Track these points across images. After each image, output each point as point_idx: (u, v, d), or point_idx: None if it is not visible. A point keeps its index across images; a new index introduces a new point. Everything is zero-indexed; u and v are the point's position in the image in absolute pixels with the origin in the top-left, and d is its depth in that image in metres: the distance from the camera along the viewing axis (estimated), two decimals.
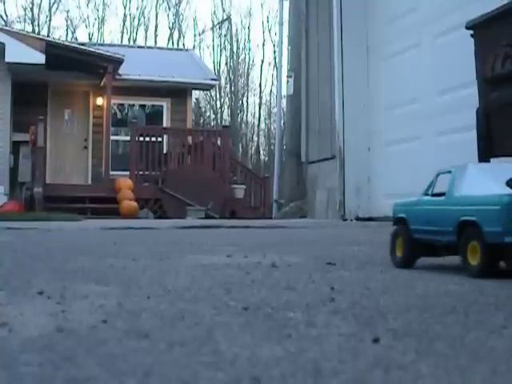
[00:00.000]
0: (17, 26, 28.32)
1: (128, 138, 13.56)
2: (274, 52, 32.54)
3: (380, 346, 0.71)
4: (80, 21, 43.06)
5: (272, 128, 32.73)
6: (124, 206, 11.67)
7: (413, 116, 5.96)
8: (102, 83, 14.43)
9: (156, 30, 36.37)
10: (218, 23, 36.24)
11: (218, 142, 13.36)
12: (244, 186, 13.37)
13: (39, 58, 12.50)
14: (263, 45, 42.58)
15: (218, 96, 34.70)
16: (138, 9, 36.88)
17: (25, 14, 33.46)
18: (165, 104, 15.81)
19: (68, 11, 41.30)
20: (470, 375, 0.60)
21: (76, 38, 32.19)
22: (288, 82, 10.82)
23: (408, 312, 0.92)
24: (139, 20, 36.23)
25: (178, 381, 0.58)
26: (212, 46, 37.92)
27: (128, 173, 12.72)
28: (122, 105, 16.12)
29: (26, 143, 13.10)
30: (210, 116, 35.48)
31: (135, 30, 35.93)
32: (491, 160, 4.12)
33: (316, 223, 5.61)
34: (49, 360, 0.63)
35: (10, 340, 0.73)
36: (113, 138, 14.68)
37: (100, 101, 14.98)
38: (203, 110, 35.15)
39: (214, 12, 38.36)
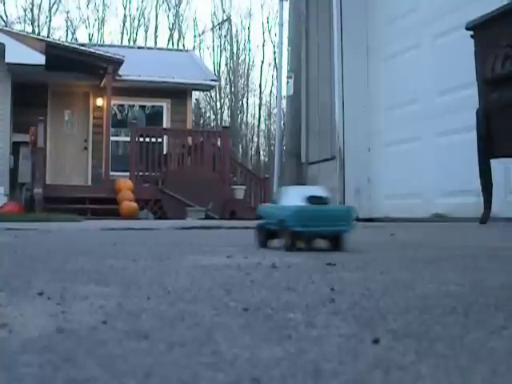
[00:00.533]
0: (17, 27, 28.37)
1: (128, 139, 13.57)
2: (274, 53, 32.60)
3: (380, 346, 0.71)
4: (80, 21, 43.16)
5: (272, 129, 32.75)
6: (124, 207, 11.68)
7: (413, 117, 5.96)
8: (102, 84, 14.44)
9: (156, 31, 36.42)
10: (218, 24, 36.27)
11: (218, 143, 13.36)
12: (244, 187, 13.37)
13: (39, 58, 12.52)
14: (263, 45, 42.70)
15: (218, 97, 34.74)
16: (138, 9, 36.89)
17: (25, 15, 33.52)
18: (165, 105, 15.82)
19: (68, 12, 41.40)
20: (469, 376, 0.60)
21: (76, 39, 32.24)
22: (288, 82, 10.81)
23: (408, 313, 0.92)
24: (139, 21, 36.28)
25: (178, 381, 0.58)
26: (212, 47, 38.03)
27: (128, 174, 12.73)
28: (122, 105, 16.12)
29: (26, 144, 13.11)
30: (210, 117, 35.50)
31: (135, 31, 35.97)
32: (491, 160, 4.13)
33: None
34: (49, 361, 0.63)
35: (10, 341, 0.73)
36: (113, 138, 14.70)
37: (100, 101, 14.99)
38: (203, 110, 35.18)
39: (214, 13, 38.37)
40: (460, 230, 4.06)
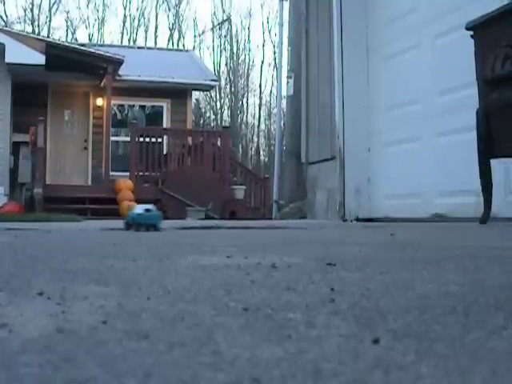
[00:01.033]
0: (17, 27, 28.38)
1: (128, 139, 13.57)
2: (274, 53, 32.60)
3: (380, 346, 0.71)
4: (80, 21, 43.19)
5: (272, 129, 32.76)
6: (124, 207, 11.67)
7: (413, 117, 5.96)
8: (102, 84, 14.45)
9: (156, 31, 36.43)
10: (218, 24, 36.28)
11: (218, 143, 13.36)
12: (244, 187, 13.37)
13: (39, 58, 12.52)
14: (263, 45, 42.73)
15: (218, 97, 34.74)
16: (137, 9, 36.90)
17: (25, 15, 33.54)
18: (165, 105, 15.83)
19: (68, 12, 41.41)
20: (469, 376, 0.60)
21: (76, 39, 32.25)
22: (288, 82, 10.83)
23: (408, 313, 0.92)
24: (139, 21, 36.30)
25: (178, 381, 0.58)
26: (212, 47, 38.04)
27: (128, 174, 12.74)
28: (122, 105, 16.12)
29: (26, 144, 13.11)
30: (210, 117, 35.51)
31: (135, 31, 35.98)
32: (491, 160, 4.13)
33: (316, 224, 5.62)
34: (49, 361, 0.63)
35: (10, 341, 0.73)
36: (113, 138, 14.70)
37: (100, 101, 15.00)
38: (203, 110, 35.19)
39: (214, 13, 38.38)
40: (460, 230, 4.06)
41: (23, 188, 13.15)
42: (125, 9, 43.11)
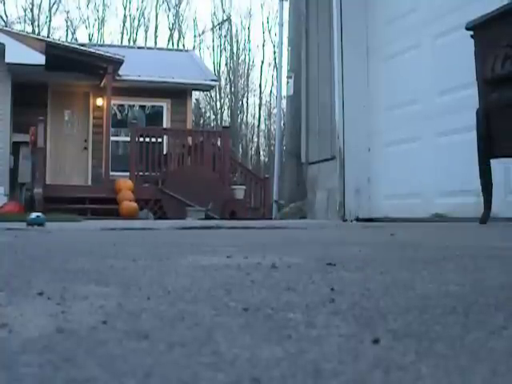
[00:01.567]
0: (17, 27, 28.37)
1: (128, 139, 13.58)
2: (274, 53, 32.60)
3: (380, 346, 0.71)
4: (80, 22, 43.19)
5: (272, 129, 32.76)
6: (124, 207, 11.69)
7: (413, 117, 5.96)
8: (102, 84, 14.45)
9: (156, 31, 36.43)
10: (218, 24, 36.28)
11: (218, 143, 13.37)
12: (244, 187, 13.38)
13: (39, 58, 12.53)
14: (263, 45, 42.73)
15: (218, 97, 34.75)
16: (137, 9, 36.90)
17: (25, 15, 33.53)
18: (165, 105, 15.83)
19: (68, 12, 41.40)
20: (469, 376, 0.60)
21: (76, 39, 32.25)
22: (288, 82, 10.83)
23: (408, 313, 0.92)
24: (139, 21, 36.30)
25: (178, 381, 0.58)
26: (212, 47, 38.02)
27: (128, 173, 12.74)
28: (122, 105, 16.13)
29: (26, 144, 13.11)
30: (210, 117, 35.51)
31: (135, 31, 35.98)
32: (491, 160, 4.13)
33: (316, 224, 5.62)
34: (49, 361, 0.63)
35: (10, 341, 0.73)
36: (113, 138, 14.70)
37: (100, 101, 15.00)
38: (203, 110, 35.18)
39: (214, 13, 38.37)
40: (460, 230, 4.06)
41: (23, 188, 13.15)
42: (125, 9, 43.12)
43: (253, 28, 62.53)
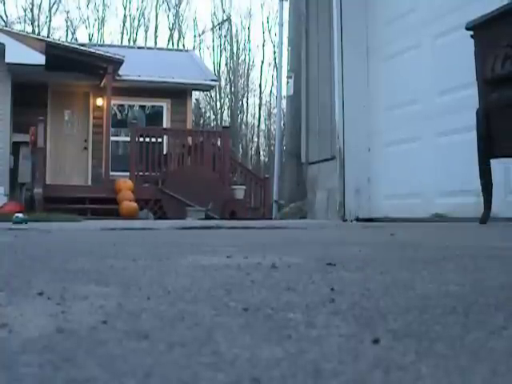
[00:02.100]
0: (17, 27, 28.38)
1: (128, 139, 13.58)
2: (274, 53, 32.60)
3: (380, 346, 0.71)
4: (80, 21, 43.20)
5: (272, 129, 32.76)
6: (124, 207, 11.69)
7: (413, 117, 5.96)
8: (102, 84, 14.45)
9: (156, 31, 36.43)
10: (218, 24, 36.28)
11: (218, 143, 13.37)
12: (244, 187, 13.38)
13: (39, 58, 12.53)
14: (263, 45, 42.73)
15: (218, 97, 34.75)
16: (137, 9, 36.90)
17: (25, 15, 33.54)
18: (165, 105, 15.83)
19: (68, 12, 41.41)
20: (469, 376, 0.60)
21: (76, 39, 32.26)
22: (288, 82, 10.83)
23: (408, 313, 0.92)
24: (139, 21, 36.30)
25: (178, 381, 0.58)
26: (212, 47, 38.03)
27: (128, 174, 12.74)
28: (122, 105, 16.13)
29: (26, 144, 13.11)
30: (210, 117, 35.51)
31: (135, 31, 35.99)
32: (491, 160, 4.13)
33: (316, 224, 5.62)
34: (49, 361, 0.63)
35: (10, 341, 0.73)
36: (113, 138, 14.70)
37: (100, 101, 15.00)
38: (203, 110, 35.18)
39: (214, 13, 38.37)
40: (460, 230, 4.06)
41: (23, 188, 13.15)
42: (125, 9, 43.13)
43: (253, 28, 62.55)
